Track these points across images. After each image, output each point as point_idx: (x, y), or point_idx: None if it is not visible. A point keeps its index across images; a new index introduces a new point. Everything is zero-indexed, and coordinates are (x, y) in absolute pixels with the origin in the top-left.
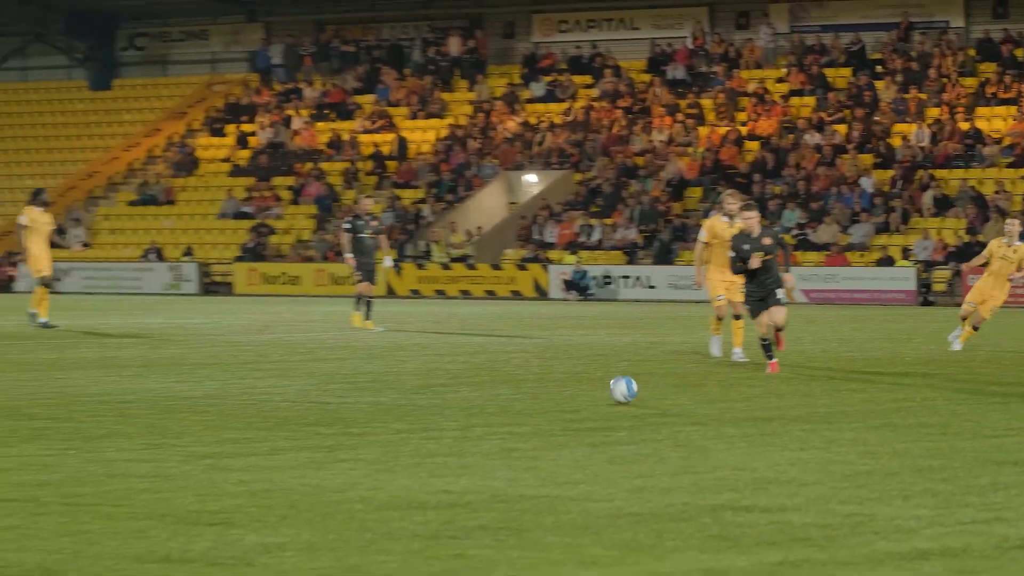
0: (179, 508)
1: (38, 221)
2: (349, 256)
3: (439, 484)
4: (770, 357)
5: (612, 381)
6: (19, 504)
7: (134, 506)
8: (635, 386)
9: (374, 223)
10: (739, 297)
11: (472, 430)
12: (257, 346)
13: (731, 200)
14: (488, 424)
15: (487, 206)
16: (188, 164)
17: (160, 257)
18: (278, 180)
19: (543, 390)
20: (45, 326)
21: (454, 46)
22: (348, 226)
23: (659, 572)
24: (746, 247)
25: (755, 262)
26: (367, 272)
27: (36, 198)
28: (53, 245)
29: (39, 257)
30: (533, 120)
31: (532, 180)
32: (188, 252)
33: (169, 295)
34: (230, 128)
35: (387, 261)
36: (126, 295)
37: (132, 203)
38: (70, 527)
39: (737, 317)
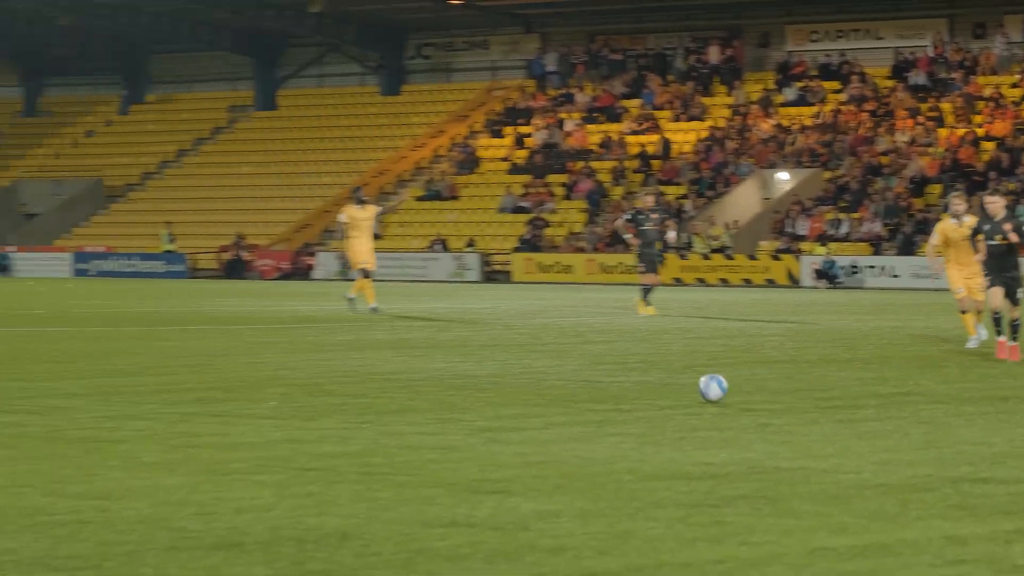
0: (463, 477)
1: (356, 217)
2: (629, 236)
3: (701, 456)
4: (1013, 339)
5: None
6: (319, 473)
7: (423, 475)
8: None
9: (655, 216)
10: (980, 296)
11: (731, 407)
12: (533, 329)
13: (957, 202)
14: (745, 402)
15: (743, 201)
16: (470, 163)
17: (445, 248)
18: (552, 177)
19: (796, 370)
20: (374, 311)
21: (713, 54)
22: (628, 217)
23: (903, 539)
24: (986, 227)
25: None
26: (649, 262)
27: (354, 195)
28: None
29: (359, 251)
30: (786, 122)
31: (785, 177)
32: (470, 243)
33: (453, 282)
34: (508, 130)
35: (671, 234)
36: (414, 282)
37: (419, 198)
38: (365, 494)
39: (978, 312)
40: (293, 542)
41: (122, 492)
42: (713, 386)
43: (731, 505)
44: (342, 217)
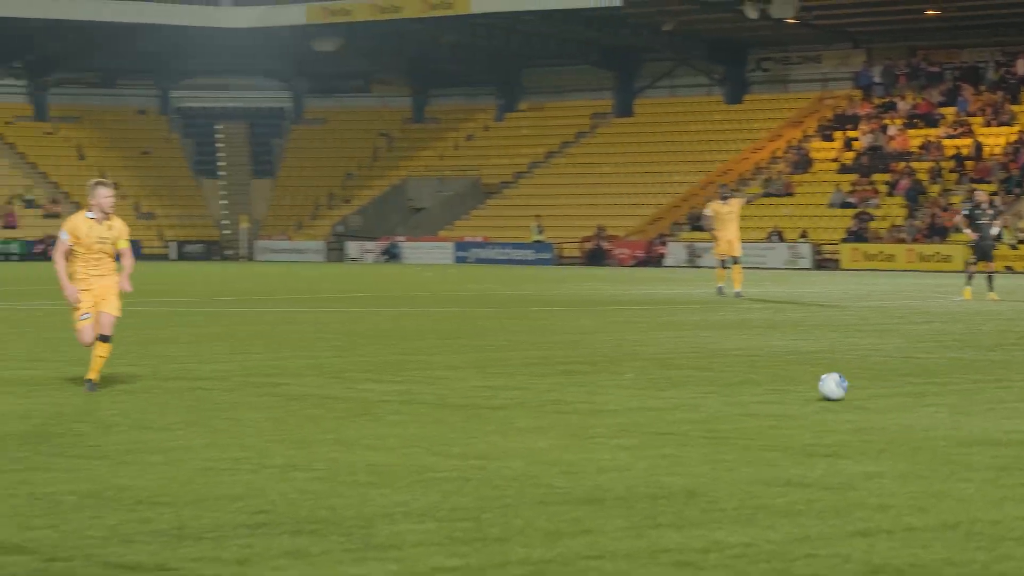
0: (798, 442)
1: (720, 212)
2: (967, 231)
3: (1009, 425)
4: None
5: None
6: (671, 437)
7: (762, 440)
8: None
9: (990, 211)
10: None
11: None
12: (859, 311)
13: None
14: None
15: None
16: (803, 163)
17: (781, 239)
18: (876, 176)
19: None
20: (737, 295)
21: (1021, 67)
22: (966, 212)
23: None
24: None
25: None
26: (983, 252)
27: (719, 192)
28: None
29: (721, 241)
30: None
31: None
32: (803, 235)
33: (788, 269)
34: (838, 134)
35: (994, 229)
36: (753, 269)
37: (759, 195)
38: (711, 456)
39: None
40: (647, 498)
41: (499, 453)
42: (832, 385)
43: None
44: (707, 211)
